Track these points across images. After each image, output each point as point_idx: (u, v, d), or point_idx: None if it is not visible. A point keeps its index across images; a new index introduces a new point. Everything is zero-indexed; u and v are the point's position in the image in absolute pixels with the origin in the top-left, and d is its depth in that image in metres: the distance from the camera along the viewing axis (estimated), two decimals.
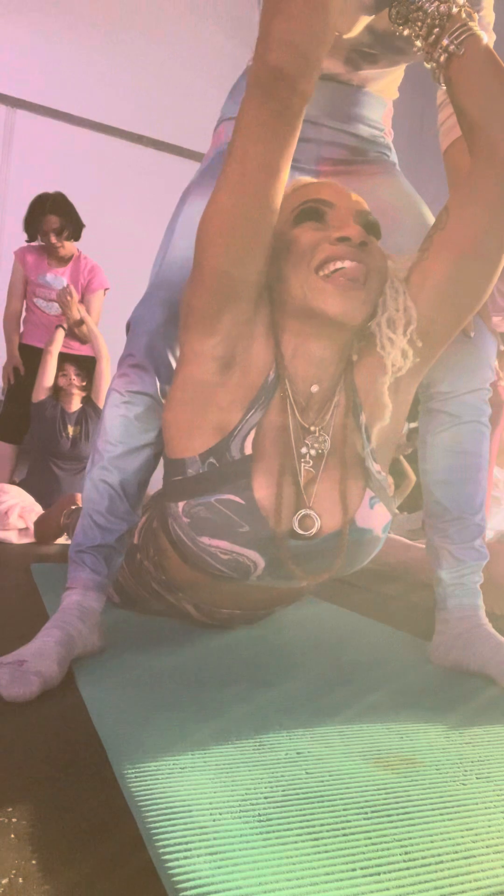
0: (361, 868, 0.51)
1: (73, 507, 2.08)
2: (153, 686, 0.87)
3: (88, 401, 3.01)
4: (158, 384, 1.05)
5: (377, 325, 0.90)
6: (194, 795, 0.59)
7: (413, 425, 1.43)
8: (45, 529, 2.21)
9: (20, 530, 2.23)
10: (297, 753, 0.70)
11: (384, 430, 0.95)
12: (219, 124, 1.19)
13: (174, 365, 1.05)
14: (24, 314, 3.19)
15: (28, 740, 0.70)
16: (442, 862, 0.52)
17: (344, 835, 0.55)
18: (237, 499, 0.88)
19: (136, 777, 0.62)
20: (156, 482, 1.09)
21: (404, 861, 0.52)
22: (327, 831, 0.55)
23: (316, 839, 0.54)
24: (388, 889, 0.48)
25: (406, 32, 0.89)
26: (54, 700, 0.81)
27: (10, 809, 0.56)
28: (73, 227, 3.03)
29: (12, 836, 0.53)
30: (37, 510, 2.32)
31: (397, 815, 0.59)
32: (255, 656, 1.06)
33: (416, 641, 1.21)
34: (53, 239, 3.00)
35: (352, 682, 0.96)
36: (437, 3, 0.85)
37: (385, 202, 1.08)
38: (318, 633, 1.27)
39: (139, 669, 0.94)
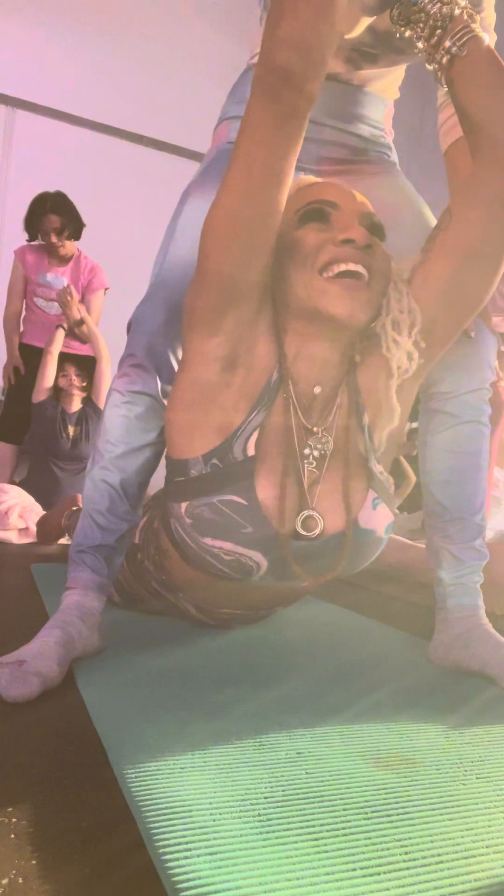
0: (361, 868, 0.51)
1: (74, 509, 2.08)
2: (153, 686, 0.87)
3: (89, 401, 3.01)
4: (159, 384, 1.05)
5: (382, 327, 0.90)
6: (194, 795, 0.59)
7: (413, 425, 1.43)
8: (47, 530, 2.21)
9: (20, 530, 2.23)
10: (297, 753, 0.70)
11: (389, 431, 0.95)
12: (219, 124, 1.19)
13: (175, 365, 1.05)
14: (24, 314, 3.19)
15: (28, 740, 0.70)
16: (442, 862, 0.52)
17: (344, 835, 0.55)
18: (240, 500, 0.88)
19: (136, 777, 0.62)
20: (156, 482, 1.09)
21: (404, 861, 0.52)
22: (327, 831, 0.55)
23: (316, 839, 0.54)
24: (388, 889, 0.49)
25: (408, 34, 0.89)
26: (54, 700, 0.81)
27: (10, 809, 0.56)
28: (73, 226, 3.02)
29: (12, 836, 0.53)
30: (37, 510, 2.32)
31: (397, 815, 0.59)
32: (255, 656, 1.06)
33: (416, 641, 1.21)
34: (54, 238, 2.99)
35: (352, 682, 0.96)
36: (438, 5, 0.85)
37: (385, 202, 1.08)
38: (318, 633, 1.27)
39: (139, 669, 0.94)
